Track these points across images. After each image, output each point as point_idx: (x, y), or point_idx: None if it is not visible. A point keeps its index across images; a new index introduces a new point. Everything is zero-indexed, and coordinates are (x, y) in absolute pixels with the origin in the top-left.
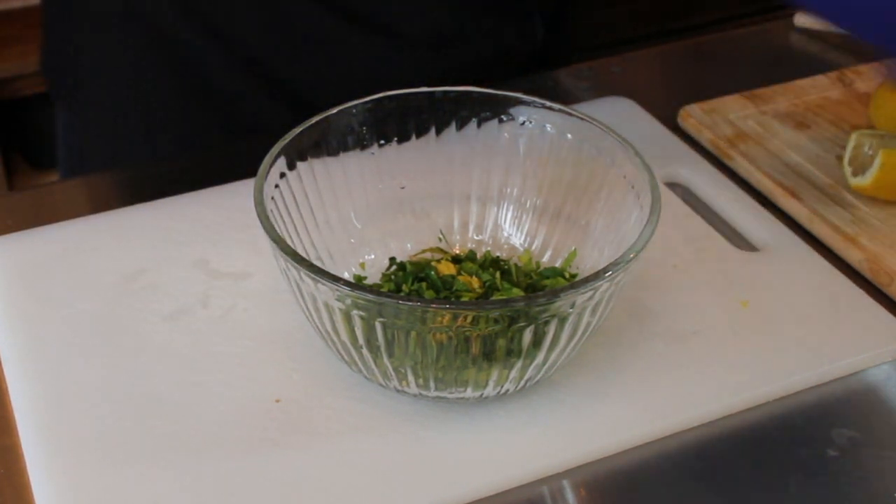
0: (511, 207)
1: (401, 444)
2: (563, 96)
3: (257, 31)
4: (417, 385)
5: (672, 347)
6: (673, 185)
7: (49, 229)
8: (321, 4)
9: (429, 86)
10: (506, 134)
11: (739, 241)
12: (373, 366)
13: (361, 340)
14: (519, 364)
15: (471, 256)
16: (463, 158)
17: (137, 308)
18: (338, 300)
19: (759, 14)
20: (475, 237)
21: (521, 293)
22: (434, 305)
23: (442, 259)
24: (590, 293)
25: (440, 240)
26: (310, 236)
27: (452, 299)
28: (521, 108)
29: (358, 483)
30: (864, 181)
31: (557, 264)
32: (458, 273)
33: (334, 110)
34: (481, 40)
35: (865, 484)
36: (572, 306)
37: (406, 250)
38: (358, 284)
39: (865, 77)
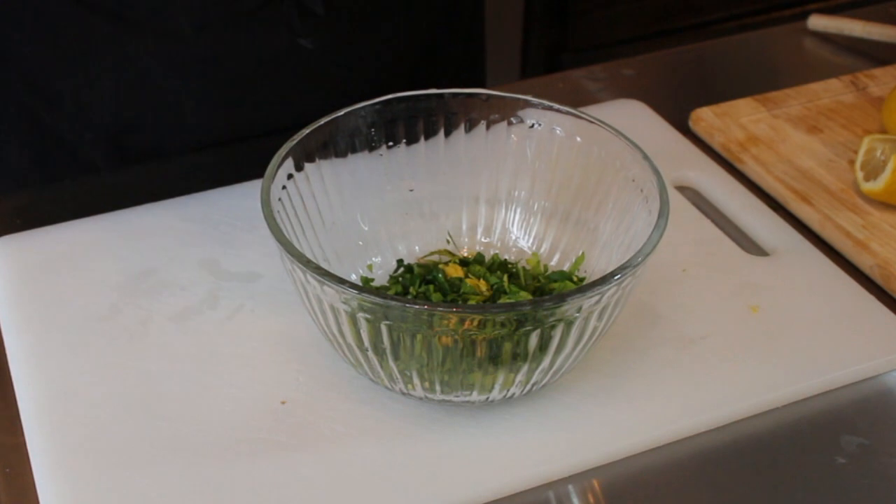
0: (519, 210)
1: (406, 447)
2: (575, 99)
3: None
4: (423, 388)
5: (680, 352)
6: (683, 189)
7: (57, 229)
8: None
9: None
10: (514, 136)
11: (749, 245)
12: (378, 368)
13: (367, 343)
14: (525, 368)
15: (479, 259)
16: (472, 161)
17: (144, 308)
18: (343, 303)
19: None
20: (483, 240)
21: (529, 296)
22: (440, 309)
23: (450, 261)
24: (597, 297)
25: (448, 242)
26: (317, 237)
27: (459, 302)
28: (530, 111)
29: (362, 485)
30: (876, 186)
31: (566, 268)
32: (466, 276)
33: (342, 111)
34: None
35: (874, 491)
36: (579, 310)
37: (414, 252)
38: (363, 287)
39: (879, 81)
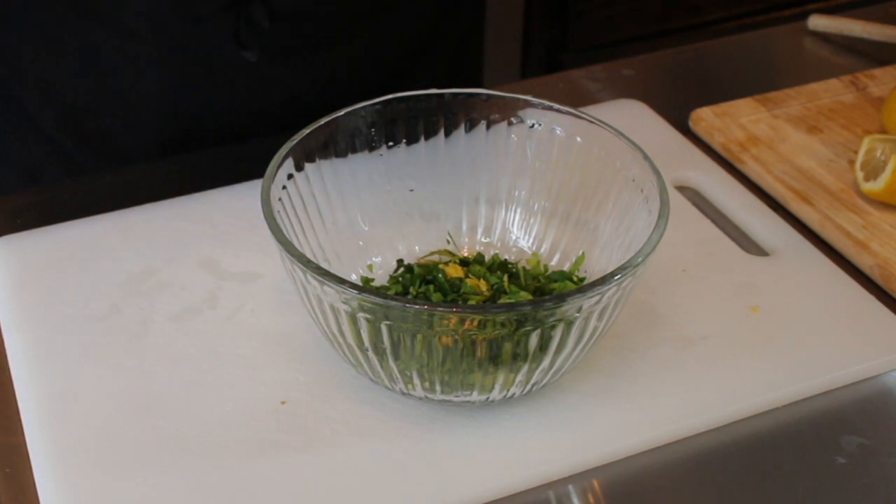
0: (519, 210)
1: (406, 447)
2: (575, 99)
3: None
4: (423, 388)
5: (680, 352)
6: (683, 189)
7: (57, 229)
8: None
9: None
10: (514, 136)
11: (749, 245)
12: (378, 368)
13: (367, 343)
14: (525, 368)
15: (479, 259)
16: (472, 161)
17: (145, 308)
18: (344, 303)
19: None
20: (483, 240)
21: (529, 296)
22: (440, 309)
23: (450, 261)
24: (597, 297)
25: (448, 242)
26: (317, 238)
27: (459, 302)
28: (531, 111)
29: (362, 485)
30: (876, 186)
31: (566, 268)
32: (466, 276)
33: (342, 112)
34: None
35: (874, 491)
36: (579, 310)
37: (414, 252)
38: (364, 287)
39: (879, 81)
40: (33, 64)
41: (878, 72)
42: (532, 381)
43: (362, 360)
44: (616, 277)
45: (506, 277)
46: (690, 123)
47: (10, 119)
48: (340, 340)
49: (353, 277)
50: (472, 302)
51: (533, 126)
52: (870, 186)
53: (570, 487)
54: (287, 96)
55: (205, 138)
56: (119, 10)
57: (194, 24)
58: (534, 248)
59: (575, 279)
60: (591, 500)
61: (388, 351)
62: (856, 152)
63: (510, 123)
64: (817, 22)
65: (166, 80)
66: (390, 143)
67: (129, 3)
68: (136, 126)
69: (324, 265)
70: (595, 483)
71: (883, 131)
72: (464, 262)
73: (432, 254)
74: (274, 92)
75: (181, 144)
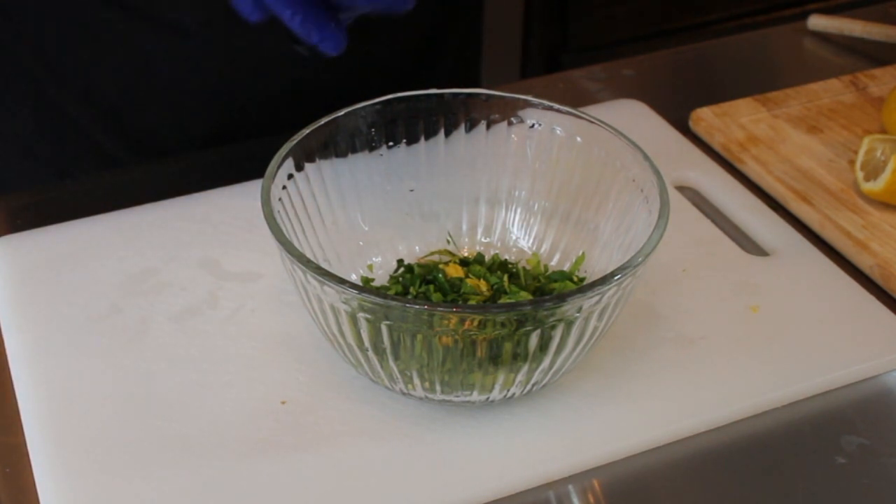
0: (520, 210)
1: (406, 448)
2: (575, 99)
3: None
4: (423, 388)
5: (680, 352)
6: (683, 189)
7: (57, 228)
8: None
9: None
10: (515, 136)
11: (749, 245)
12: (378, 368)
13: (367, 343)
14: (525, 368)
15: (479, 259)
16: (472, 161)
17: (144, 308)
18: (344, 303)
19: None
20: (483, 240)
21: (529, 296)
22: (440, 309)
23: (450, 261)
24: (597, 297)
25: (448, 242)
26: (317, 237)
27: (459, 302)
28: (531, 111)
29: (362, 486)
30: (876, 186)
31: (566, 268)
32: (466, 276)
33: (342, 111)
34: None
35: (874, 491)
36: (579, 310)
37: (414, 252)
38: (364, 287)
39: (879, 81)
40: (74, 64)
41: (878, 72)
42: (532, 381)
43: (362, 360)
44: (616, 277)
45: (506, 277)
46: (690, 123)
47: (43, 117)
48: (340, 340)
49: (353, 277)
50: (472, 302)
51: (533, 126)
52: (870, 186)
53: (570, 487)
54: (337, 90)
55: (247, 131)
56: (168, 9)
57: (243, 20)
58: (534, 248)
59: (575, 279)
60: (591, 500)
61: (388, 351)
62: (856, 152)
63: (510, 123)
64: (817, 22)
65: (215, 76)
66: (390, 143)
67: (181, 3)
68: (179, 122)
69: (324, 265)
70: (595, 483)
71: (883, 131)
72: (464, 262)
73: (432, 254)
74: (323, 86)
75: (221, 139)
